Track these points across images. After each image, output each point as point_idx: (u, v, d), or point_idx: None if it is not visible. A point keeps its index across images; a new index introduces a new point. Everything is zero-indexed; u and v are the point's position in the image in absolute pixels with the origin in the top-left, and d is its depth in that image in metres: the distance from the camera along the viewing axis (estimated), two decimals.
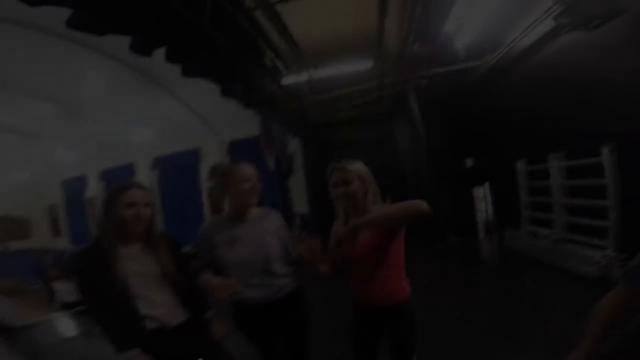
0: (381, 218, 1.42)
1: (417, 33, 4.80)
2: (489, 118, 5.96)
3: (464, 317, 3.11)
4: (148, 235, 1.39)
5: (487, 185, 6.74)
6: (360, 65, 5.61)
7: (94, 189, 11.76)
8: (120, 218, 1.30)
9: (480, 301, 3.63)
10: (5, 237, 13.00)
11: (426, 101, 6.64)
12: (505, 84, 5.29)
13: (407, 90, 6.59)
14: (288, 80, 5.67)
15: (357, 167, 1.53)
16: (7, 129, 8.30)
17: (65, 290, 4.29)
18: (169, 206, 9.49)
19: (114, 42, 4.57)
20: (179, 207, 9.75)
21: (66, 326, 3.91)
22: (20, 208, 13.51)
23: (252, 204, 1.61)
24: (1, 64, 5.81)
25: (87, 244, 1.35)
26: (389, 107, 8.13)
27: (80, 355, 3.11)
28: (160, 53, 2.61)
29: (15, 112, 7.89)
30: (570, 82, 3.89)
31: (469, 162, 6.86)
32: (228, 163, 1.65)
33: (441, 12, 4.40)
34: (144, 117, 7.42)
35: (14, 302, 4.20)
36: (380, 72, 6.01)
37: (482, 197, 6.95)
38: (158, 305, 1.33)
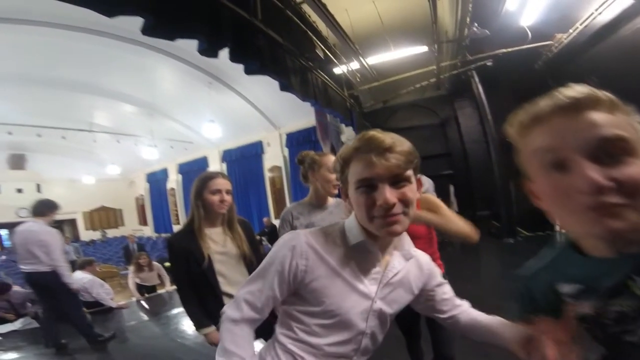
0: (435, 222, 1.43)
1: (474, 14, 4.49)
2: None
3: None
4: (229, 219, 1.59)
5: None
6: (414, 50, 5.37)
7: (174, 181, 13.15)
8: (208, 202, 1.51)
9: None
10: (103, 225, 15.31)
11: (493, 83, 6.11)
12: (584, 63, 4.72)
13: (470, 72, 6.13)
14: (340, 70, 5.67)
15: None
16: (103, 130, 9.68)
17: (141, 277, 4.92)
18: (236, 194, 10.29)
19: (184, 46, 5.13)
20: (245, 195, 10.52)
21: (144, 309, 4.54)
22: (114, 199, 15.74)
23: (333, 194, 1.68)
24: (96, 73, 6.81)
25: (181, 228, 1.58)
26: (450, 90, 7.66)
27: (153, 334, 3.62)
28: (225, 54, 2.82)
29: (107, 115, 9.19)
30: None
31: None
32: (317, 152, 1.74)
33: None
34: (213, 113, 8.07)
35: (110, 285, 4.94)
36: (437, 55, 5.68)
37: None
38: (234, 283, 1.50)
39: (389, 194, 0.66)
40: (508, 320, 0.78)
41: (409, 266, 0.84)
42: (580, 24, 4.35)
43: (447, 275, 1.64)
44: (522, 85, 6.14)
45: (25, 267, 3.10)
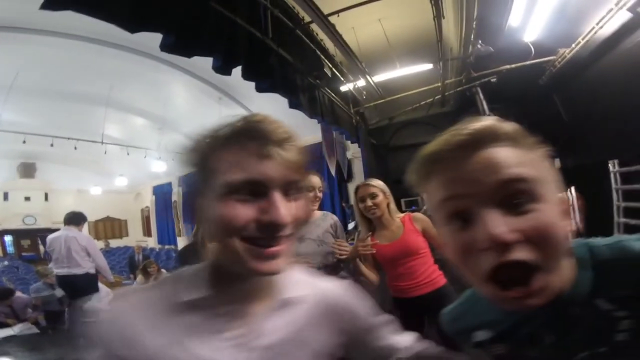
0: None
1: (478, 31, 4.60)
2: (573, 115, 5.33)
3: None
4: None
5: (573, 189, 5.98)
6: (419, 68, 5.50)
7: (178, 194, 13.24)
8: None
9: None
10: (107, 235, 15.36)
11: (497, 99, 6.19)
12: (588, 76, 4.74)
13: (474, 89, 6.24)
14: (346, 87, 5.80)
15: (379, 183, 1.89)
16: (113, 142, 9.84)
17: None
18: None
19: (196, 62, 5.28)
20: None
21: None
22: (120, 210, 15.85)
23: (312, 209, 1.87)
24: (110, 86, 7.00)
25: (191, 241, 1.63)
26: (455, 107, 7.75)
27: None
28: (237, 71, 2.92)
29: (119, 127, 9.38)
30: None
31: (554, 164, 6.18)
32: None
33: (501, 8, 4.18)
34: None
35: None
36: (442, 73, 5.80)
37: (569, 203, 6.20)
38: None
39: (284, 207, 0.46)
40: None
41: (302, 315, 0.56)
42: (582, 38, 4.35)
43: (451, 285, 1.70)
44: (526, 101, 6.23)
45: (60, 271, 3.39)
